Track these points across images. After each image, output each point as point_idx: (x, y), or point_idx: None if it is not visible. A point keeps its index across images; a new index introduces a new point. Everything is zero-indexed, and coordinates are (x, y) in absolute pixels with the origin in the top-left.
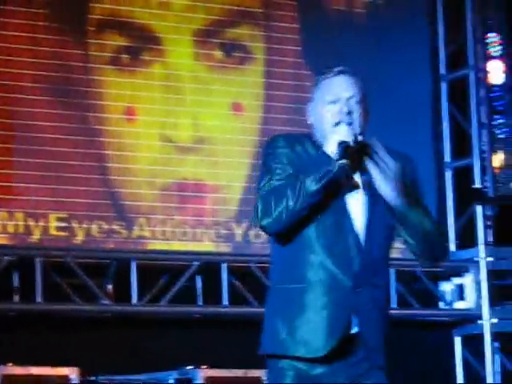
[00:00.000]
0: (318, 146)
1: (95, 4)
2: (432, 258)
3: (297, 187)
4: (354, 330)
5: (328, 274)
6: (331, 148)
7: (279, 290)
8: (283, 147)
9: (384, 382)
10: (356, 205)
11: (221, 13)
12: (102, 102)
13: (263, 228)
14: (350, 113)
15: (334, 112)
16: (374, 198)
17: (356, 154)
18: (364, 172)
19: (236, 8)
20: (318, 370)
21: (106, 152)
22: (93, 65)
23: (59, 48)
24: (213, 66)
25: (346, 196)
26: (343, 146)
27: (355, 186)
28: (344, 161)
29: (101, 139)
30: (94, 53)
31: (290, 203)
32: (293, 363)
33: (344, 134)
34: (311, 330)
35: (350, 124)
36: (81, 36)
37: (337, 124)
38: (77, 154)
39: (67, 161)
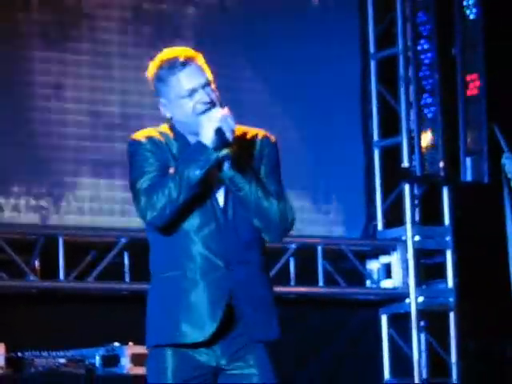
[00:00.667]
0: (181, 137)
1: None
2: (271, 234)
3: (177, 178)
4: (233, 307)
5: (203, 258)
6: (206, 134)
7: (160, 279)
8: (146, 145)
9: (264, 355)
10: (221, 192)
11: None
12: (30, 77)
13: (149, 223)
14: (210, 99)
15: (194, 103)
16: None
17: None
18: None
19: None
20: (199, 351)
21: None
22: (21, 39)
23: None
24: (141, 42)
25: (213, 182)
26: (221, 132)
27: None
28: (226, 149)
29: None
30: (23, 27)
31: (174, 194)
32: (175, 349)
33: (215, 119)
34: (193, 316)
35: (214, 106)
36: (10, 10)
37: (203, 112)
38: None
39: None
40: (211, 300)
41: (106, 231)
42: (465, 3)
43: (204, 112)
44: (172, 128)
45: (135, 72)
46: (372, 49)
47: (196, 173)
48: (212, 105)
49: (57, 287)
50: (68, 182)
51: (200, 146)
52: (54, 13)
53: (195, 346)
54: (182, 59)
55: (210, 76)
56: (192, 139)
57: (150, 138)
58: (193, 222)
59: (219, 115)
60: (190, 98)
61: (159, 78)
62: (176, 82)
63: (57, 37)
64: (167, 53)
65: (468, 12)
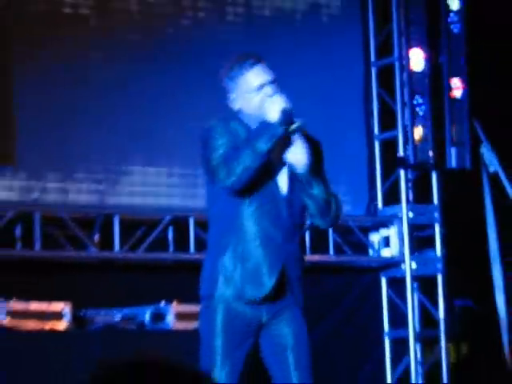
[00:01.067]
0: (247, 125)
1: None
2: (328, 222)
3: (250, 149)
4: (284, 274)
5: (264, 231)
6: (271, 116)
7: (219, 242)
8: (220, 128)
9: (299, 315)
10: (282, 175)
11: None
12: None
13: (228, 187)
14: (275, 92)
15: (263, 96)
16: (293, 173)
17: (293, 121)
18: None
19: None
20: (245, 307)
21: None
22: None
23: None
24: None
25: (276, 173)
26: (287, 111)
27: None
28: (292, 125)
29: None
30: None
31: (248, 162)
32: (225, 302)
33: (284, 104)
34: (253, 277)
35: (281, 95)
36: None
37: (272, 97)
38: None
39: None
40: (269, 265)
41: (153, 210)
42: (450, 20)
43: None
44: (238, 119)
45: None
46: (373, 57)
47: (264, 144)
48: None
49: (113, 257)
50: (122, 169)
51: (267, 123)
52: None
53: (249, 302)
54: (252, 60)
55: (274, 75)
56: (254, 122)
57: (221, 124)
58: (259, 199)
59: (282, 99)
60: (258, 93)
61: (230, 77)
62: (248, 78)
63: None
64: (237, 56)
65: (452, 27)
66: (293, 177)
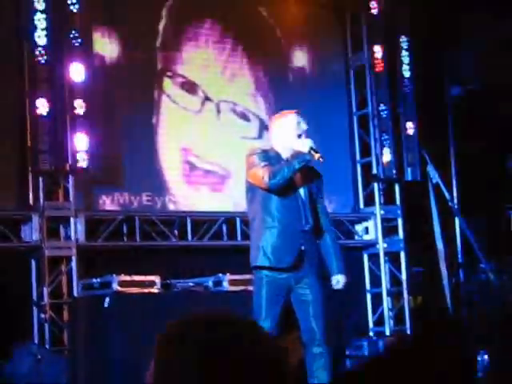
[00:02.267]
0: (277, 153)
1: None
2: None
3: (288, 165)
4: (303, 252)
5: (290, 223)
6: (303, 149)
7: (258, 228)
8: (262, 153)
9: (316, 281)
10: (302, 190)
11: None
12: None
13: (270, 186)
14: (307, 136)
15: (297, 132)
16: (309, 183)
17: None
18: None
19: None
20: (280, 275)
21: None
22: None
23: None
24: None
25: (297, 185)
26: (313, 148)
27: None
28: (316, 155)
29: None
30: None
31: (285, 172)
32: (266, 272)
33: (311, 143)
34: (280, 252)
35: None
36: None
37: (303, 138)
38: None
39: None
40: (291, 245)
41: (213, 213)
42: (404, 84)
43: (300, 137)
44: (271, 147)
45: None
46: (354, 109)
47: (298, 164)
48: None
49: (187, 244)
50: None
51: (301, 153)
52: None
53: (280, 270)
54: (298, 111)
55: (306, 127)
56: (282, 154)
57: (260, 150)
58: (287, 200)
59: (310, 142)
60: (295, 137)
61: (279, 123)
62: (293, 122)
63: None
64: (285, 111)
65: (406, 89)
66: (308, 190)
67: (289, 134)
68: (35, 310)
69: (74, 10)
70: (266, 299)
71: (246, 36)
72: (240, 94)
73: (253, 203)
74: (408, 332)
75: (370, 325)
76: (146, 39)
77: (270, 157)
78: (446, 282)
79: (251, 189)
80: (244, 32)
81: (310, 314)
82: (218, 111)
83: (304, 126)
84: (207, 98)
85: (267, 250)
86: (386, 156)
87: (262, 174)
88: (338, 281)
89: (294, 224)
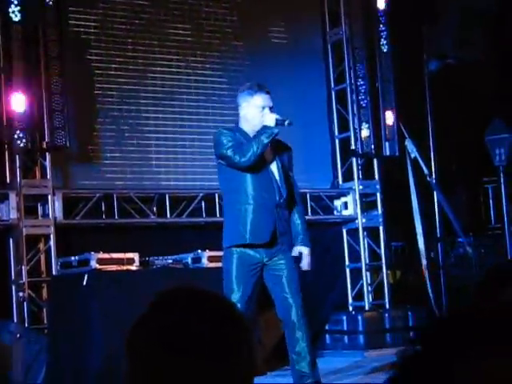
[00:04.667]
0: (243, 131)
1: None
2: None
3: (256, 141)
4: (276, 229)
5: (263, 199)
6: (269, 123)
7: (232, 207)
8: (228, 133)
9: (289, 255)
10: (272, 162)
11: None
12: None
13: (241, 164)
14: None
15: (263, 114)
16: (280, 158)
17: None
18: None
19: None
20: (252, 252)
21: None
22: None
23: None
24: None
25: (268, 160)
26: (278, 119)
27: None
28: (287, 122)
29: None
30: None
31: (255, 148)
32: (239, 249)
33: (274, 116)
34: (256, 229)
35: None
36: None
37: (270, 113)
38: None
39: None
40: (267, 221)
41: (192, 189)
42: (382, 58)
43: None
44: (236, 126)
45: None
46: (332, 84)
47: (267, 139)
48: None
49: (166, 222)
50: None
51: (267, 126)
52: None
53: (254, 246)
54: (266, 89)
55: (271, 103)
56: (249, 132)
57: (227, 130)
58: (259, 177)
59: (275, 115)
60: (262, 110)
61: (249, 93)
62: (259, 99)
63: None
64: (252, 83)
65: (383, 60)
66: (279, 162)
67: (255, 114)
68: (14, 288)
69: None
70: (237, 272)
71: (224, 9)
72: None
73: (225, 182)
74: (387, 306)
75: (350, 299)
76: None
77: (236, 136)
78: (423, 255)
79: (222, 168)
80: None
81: (285, 288)
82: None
83: (269, 104)
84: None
85: (245, 227)
86: (365, 131)
87: (232, 154)
88: (301, 252)
89: (267, 199)
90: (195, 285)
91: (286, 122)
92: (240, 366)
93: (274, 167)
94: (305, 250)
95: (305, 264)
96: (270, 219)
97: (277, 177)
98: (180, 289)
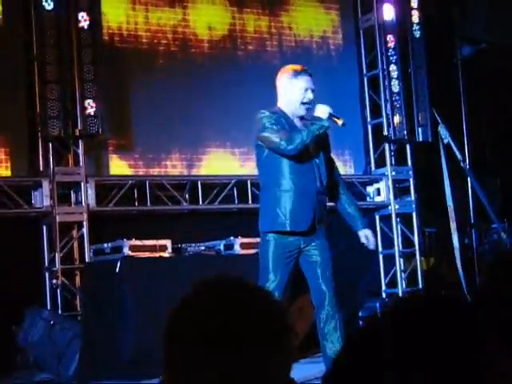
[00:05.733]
0: (285, 115)
1: None
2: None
3: (307, 131)
4: (315, 215)
5: (304, 186)
6: (323, 115)
7: (270, 191)
8: (273, 116)
9: (325, 242)
10: (315, 148)
11: None
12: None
13: (288, 151)
14: (313, 98)
15: (308, 95)
16: (322, 145)
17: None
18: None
19: None
20: (291, 238)
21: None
22: None
23: None
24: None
25: (311, 147)
26: (332, 114)
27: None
28: (338, 121)
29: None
30: None
31: (304, 138)
32: (277, 235)
33: (328, 109)
34: (297, 216)
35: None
36: None
37: (306, 103)
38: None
39: None
40: (307, 208)
41: (224, 176)
42: (415, 43)
43: (307, 104)
44: (278, 109)
45: None
46: (364, 70)
47: (316, 130)
48: (314, 102)
49: (198, 208)
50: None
51: (320, 119)
52: None
53: (293, 234)
54: (309, 71)
55: (313, 86)
56: (290, 114)
57: (269, 112)
58: (301, 163)
59: (329, 108)
60: (302, 93)
61: (293, 76)
62: (302, 81)
63: None
64: (296, 65)
65: (415, 45)
66: (321, 148)
67: (297, 98)
68: (47, 275)
69: None
70: (274, 260)
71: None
72: None
73: (265, 167)
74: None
75: (383, 286)
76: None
77: (280, 119)
78: (456, 242)
79: (262, 152)
80: None
81: (319, 275)
82: None
83: (311, 86)
84: None
85: (284, 213)
86: (397, 117)
87: (278, 139)
88: (367, 236)
89: (308, 186)
90: (231, 275)
91: (341, 123)
92: (279, 355)
93: (315, 153)
94: (368, 232)
95: (371, 244)
96: (310, 206)
97: (318, 163)
98: (218, 279)
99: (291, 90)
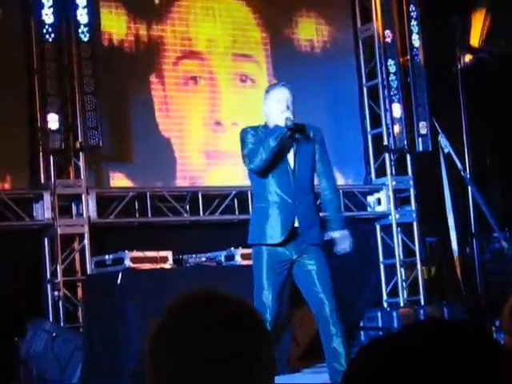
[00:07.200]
0: (268, 127)
1: None
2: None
3: (264, 146)
4: (296, 225)
5: (279, 197)
6: (281, 123)
7: (257, 207)
8: (251, 131)
9: (318, 250)
10: (290, 156)
11: None
12: None
13: (252, 170)
14: (288, 107)
15: (281, 107)
16: (299, 151)
17: (294, 126)
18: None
19: None
20: (280, 249)
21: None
22: None
23: None
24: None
25: (286, 152)
26: (289, 119)
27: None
28: (289, 125)
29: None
30: None
31: (262, 155)
32: (265, 247)
33: (288, 115)
34: (274, 229)
35: (289, 111)
36: None
37: (283, 112)
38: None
39: None
40: (283, 221)
41: (225, 187)
42: (414, 52)
43: (283, 112)
44: (265, 123)
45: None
46: (364, 80)
47: (274, 141)
48: (288, 109)
49: (199, 219)
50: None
51: (276, 126)
52: None
53: (277, 245)
54: (283, 83)
55: (292, 98)
56: (277, 124)
57: (250, 129)
58: (275, 175)
59: (289, 113)
60: (280, 104)
61: (266, 92)
62: (276, 93)
63: None
64: (271, 85)
65: (414, 55)
66: (298, 157)
67: (273, 110)
68: (49, 287)
69: None
70: (267, 271)
71: (253, 5)
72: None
73: (251, 180)
74: (422, 303)
75: (384, 296)
76: (154, 14)
77: (258, 134)
78: (456, 251)
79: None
80: (252, 1)
81: (316, 284)
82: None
83: (285, 97)
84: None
85: (262, 226)
86: (397, 127)
87: (245, 158)
88: (333, 237)
89: (285, 197)
90: (215, 288)
91: (288, 123)
92: (256, 371)
93: (292, 164)
94: (337, 235)
95: (341, 249)
96: (288, 218)
97: (297, 172)
98: (198, 294)
99: (267, 105)
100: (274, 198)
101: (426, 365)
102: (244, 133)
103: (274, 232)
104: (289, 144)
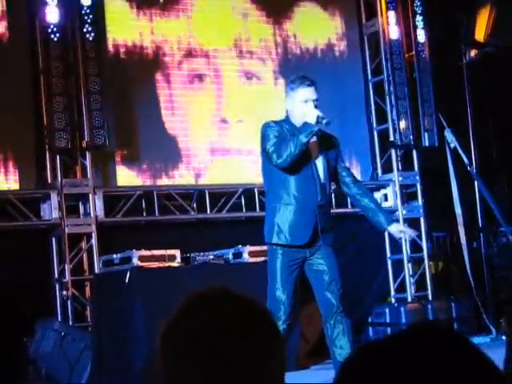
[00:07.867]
0: (292, 124)
1: None
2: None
3: (294, 140)
4: (318, 227)
5: (303, 199)
6: (311, 120)
7: (274, 207)
8: (274, 126)
9: (330, 250)
10: (316, 159)
11: None
12: None
13: (278, 165)
14: (316, 106)
15: (309, 105)
16: (324, 155)
17: (327, 123)
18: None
19: None
20: (295, 249)
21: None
22: None
23: None
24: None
25: (312, 158)
26: (321, 117)
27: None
28: (326, 122)
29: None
30: None
31: (292, 149)
32: (281, 247)
33: (320, 114)
34: (296, 231)
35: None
36: None
37: (313, 110)
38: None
39: None
40: (307, 222)
41: (232, 185)
42: (419, 48)
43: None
44: (286, 118)
45: None
46: (369, 76)
47: (303, 137)
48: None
49: (206, 217)
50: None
51: (307, 124)
52: None
53: (296, 247)
54: (310, 81)
55: (316, 96)
56: (298, 124)
57: (273, 123)
58: (299, 176)
59: (318, 111)
60: (306, 103)
61: (291, 87)
62: (303, 92)
63: None
64: (298, 75)
65: (420, 50)
66: (326, 158)
67: (299, 108)
68: (57, 287)
69: None
70: (281, 269)
71: (258, 2)
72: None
73: (268, 177)
74: (429, 298)
75: (392, 291)
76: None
77: (283, 129)
78: (464, 246)
79: (266, 162)
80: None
81: (325, 282)
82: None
83: (312, 97)
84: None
85: (283, 227)
86: (403, 122)
87: (271, 152)
88: (398, 231)
89: (309, 200)
90: (226, 286)
91: (324, 121)
92: (270, 369)
93: (319, 164)
94: (394, 228)
95: (410, 236)
96: (311, 220)
97: (321, 174)
98: (209, 292)
99: (291, 103)
100: (297, 200)
101: (404, 369)
102: (267, 127)
103: (297, 234)
104: (316, 146)
